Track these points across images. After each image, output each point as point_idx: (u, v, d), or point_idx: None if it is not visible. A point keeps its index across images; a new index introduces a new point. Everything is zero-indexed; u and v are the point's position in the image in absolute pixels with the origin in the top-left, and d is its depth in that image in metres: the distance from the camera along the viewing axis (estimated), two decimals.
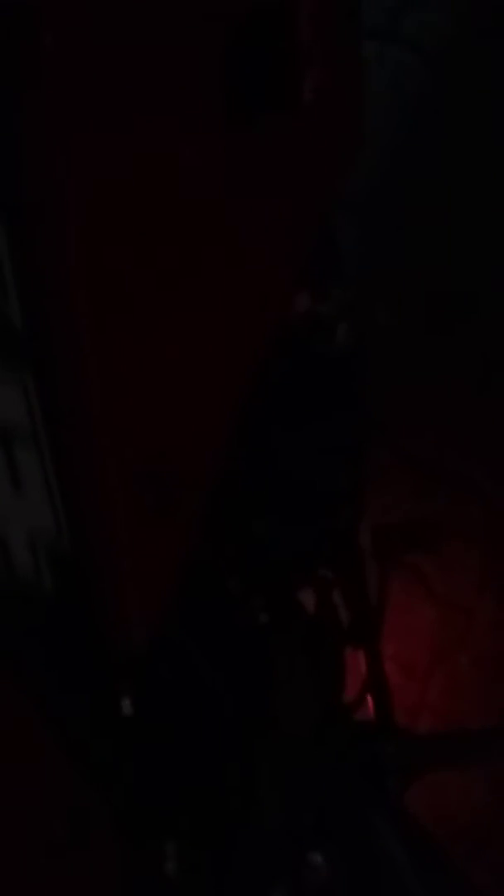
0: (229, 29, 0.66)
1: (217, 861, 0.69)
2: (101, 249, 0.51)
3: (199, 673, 0.73)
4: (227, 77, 0.67)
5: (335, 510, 0.97)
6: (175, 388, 0.60)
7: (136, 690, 0.62)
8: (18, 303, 0.48)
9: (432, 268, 1.62)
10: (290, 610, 0.96)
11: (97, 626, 0.55)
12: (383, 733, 1.00)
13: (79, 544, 0.53)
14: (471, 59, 1.78)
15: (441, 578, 1.39)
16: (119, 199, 0.53)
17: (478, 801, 1.25)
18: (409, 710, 1.33)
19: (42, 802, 0.53)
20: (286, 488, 0.91)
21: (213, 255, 0.65)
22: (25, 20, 0.47)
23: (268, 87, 0.76)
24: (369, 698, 1.03)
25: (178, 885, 0.63)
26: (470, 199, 1.65)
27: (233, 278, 0.68)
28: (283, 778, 0.81)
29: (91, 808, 0.55)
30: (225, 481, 0.69)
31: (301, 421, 0.92)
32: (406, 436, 1.46)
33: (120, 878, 0.62)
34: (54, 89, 0.48)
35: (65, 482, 0.51)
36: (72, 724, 0.57)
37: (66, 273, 0.48)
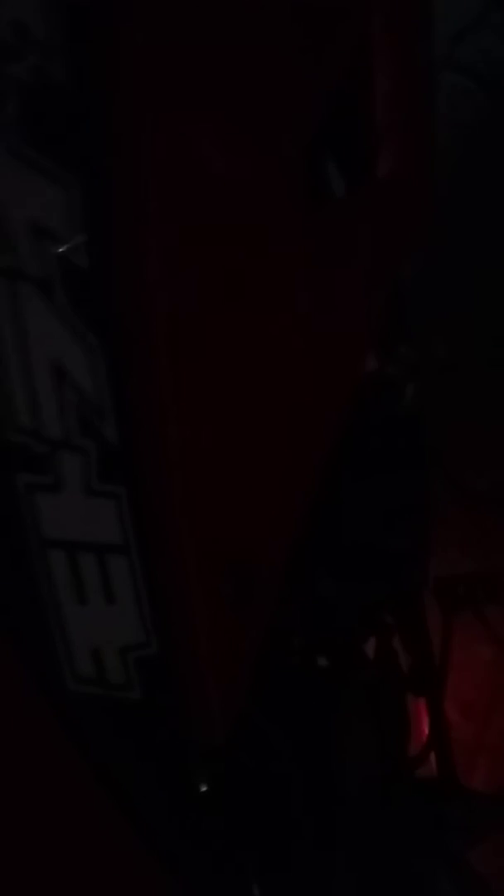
0: (314, 114, 0.67)
1: None
2: (188, 369, 0.53)
3: (267, 743, 0.75)
4: (309, 157, 0.69)
5: (402, 570, 0.97)
6: (256, 485, 0.61)
7: (212, 775, 0.64)
8: (115, 424, 0.50)
9: (495, 300, 1.61)
10: (352, 664, 0.96)
11: (181, 725, 0.57)
12: (448, 792, 1.00)
13: (165, 649, 0.54)
14: None
15: (501, 618, 1.38)
16: (204, 309, 0.55)
17: None
18: (467, 751, 1.32)
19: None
20: (353, 549, 0.92)
21: (290, 340, 0.66)
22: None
23: (344, 166, 0.77)
24: (432, 754, 1.03)
25: None
26: None
27: (310, 360, 0.69)
28: (353, 844, 0.82)
29: None
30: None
31: (367, 482, 0.92)
32: (465, 472, 1.45)
33: None
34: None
35: (154, 590, 0.53)
36: (149, 811, 0.58)
37: (156, 399, 0.51)
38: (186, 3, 0.49)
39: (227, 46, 0.54)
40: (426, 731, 1.05)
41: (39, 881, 0.52)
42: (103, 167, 0.48)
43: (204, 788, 0.63)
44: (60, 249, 0.46)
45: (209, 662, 0.56)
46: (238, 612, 0.61)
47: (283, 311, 0.64)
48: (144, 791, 0.57)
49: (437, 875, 0.93)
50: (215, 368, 0.56)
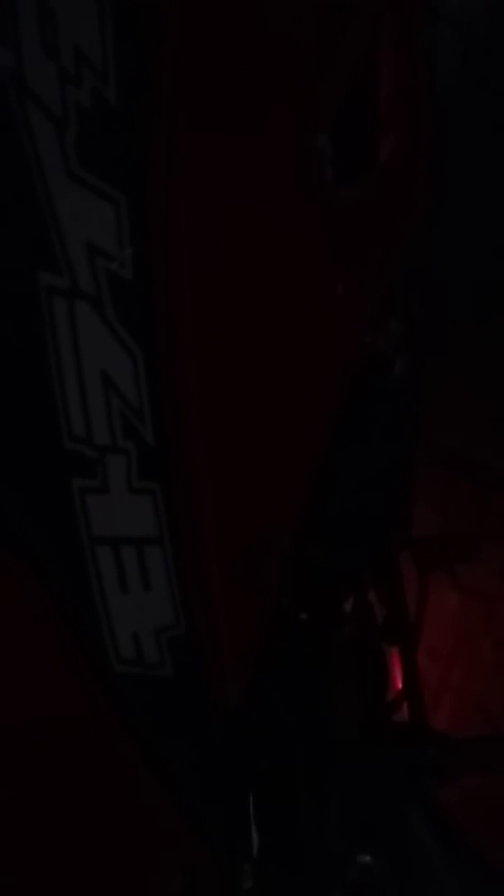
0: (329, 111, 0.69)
1: (286, 873, 0.77)
2: (215, 367, 0.56)
3: (271, 704, 0.80)
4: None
5: (385, 534, 1.02)
6: (270, 475, 0.66)
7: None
8: (152, 425, 0.53)
9: (470, 255, 1.62)
10: (333, 618, 1.02)
11: (203, 693, 0.62)
12: (421, 736, 1.07)
13: (190, 627, 0.59)
14: None
15: (465, 567, 1.45)
16: (228, 312, 0.58)
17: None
18: (433, 691, 1.40)
19: (162, 858, 0.61)
20: (341, 516, 0.96)
21: (306, 336, 0.70)
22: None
23: (351, 152, 0.79)
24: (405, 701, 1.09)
25: None
26: None
27: (323, 349, 0.72)
28: (341, 788, 0.88)
29: (199, 861, 0.62)
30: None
31: (356, 452, 0.96)
32: (438, 431, 1.49)
33: None
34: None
35: (182, 575, 0.57)
36: (178, 770, 0.63)
37: (186, 399, 0.54)
38: (221, 38, 0.51)
39: (253, 67, 0.56)
40: (398, 678, 1.12)
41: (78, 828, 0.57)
42: (143, 179, 0.50)
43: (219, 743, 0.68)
44: (111, 265, 0.49)
45: (225, 633, 0.61)
46: (250, 589, 0.65)
47: (302, 306, 0.67)
48: (174, 754, 0.62)
49: (410, 813, 1.01)
50: (239, 366, 0.60)
